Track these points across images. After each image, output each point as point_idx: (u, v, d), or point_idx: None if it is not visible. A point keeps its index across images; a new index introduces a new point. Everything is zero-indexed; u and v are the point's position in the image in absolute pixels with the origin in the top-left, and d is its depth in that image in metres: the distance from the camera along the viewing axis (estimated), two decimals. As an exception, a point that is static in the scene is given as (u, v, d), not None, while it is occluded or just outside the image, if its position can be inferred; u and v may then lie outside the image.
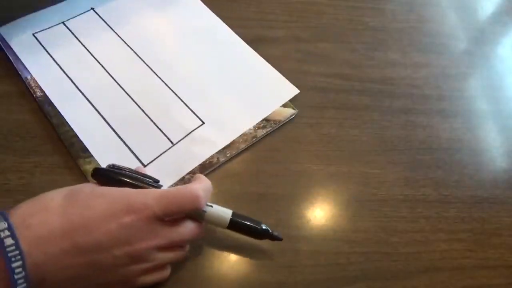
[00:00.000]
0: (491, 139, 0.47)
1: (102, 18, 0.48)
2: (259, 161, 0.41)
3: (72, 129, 0.39)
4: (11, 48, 0.43)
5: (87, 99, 0.42)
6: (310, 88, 0.47)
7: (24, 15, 0.45)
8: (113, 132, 0.40)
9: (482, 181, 0.44)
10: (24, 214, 0.28)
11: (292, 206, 0.39)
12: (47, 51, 0.44)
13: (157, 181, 0.34)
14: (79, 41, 0.46)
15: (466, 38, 0.55)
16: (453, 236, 0.40)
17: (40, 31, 0.45)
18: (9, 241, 0.26)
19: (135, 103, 0.42)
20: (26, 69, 0.42)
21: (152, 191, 0.31)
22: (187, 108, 0.43)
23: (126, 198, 0.30)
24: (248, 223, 0.34)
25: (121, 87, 0.43)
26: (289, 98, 0.45)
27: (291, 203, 0.39)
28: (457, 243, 0.40)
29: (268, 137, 0.43)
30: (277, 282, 0.35)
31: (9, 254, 0.25)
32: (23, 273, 0.26)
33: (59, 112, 0.40)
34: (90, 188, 0.31)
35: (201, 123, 0.42)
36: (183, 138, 0.41)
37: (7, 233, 0.26)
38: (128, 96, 0.43)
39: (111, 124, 0.41)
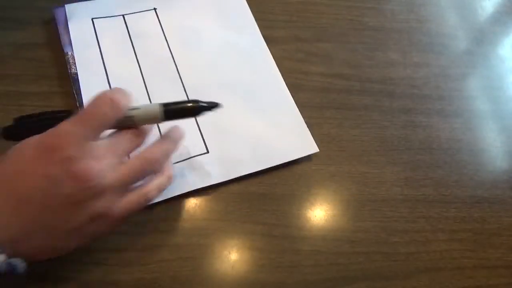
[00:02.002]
0: (491, 139, 0.47)
1: (159, 20, 0.48)
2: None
3: None
4: (67, 24, 0.46)
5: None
6: (310, 88, 0.47)
7: (82, 1, 0.48)
8: None
9: (482, 181, 0.44)
10: None
11: (292, 206, 0.39)
12: (96, 37, 0.46)
13: (70, 111, 0.31)
14: (129, 36, 0.47)
15: (466, 38, 0.55)
16: (453, 236, 0.40)
17: (99, 17, 0.47)
18: None
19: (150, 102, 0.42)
20: (71, 45, 0.44)
21: (68, 119, 0.28)
22: (198, 131, 0.41)
23: (44, 137, 0.28)
24: (180, 106, 0.32)
25: (147, 91, 0.43)
26: (305, 155, 0.41)
27: (291, 203, 0.39)
28: (457, 243, 0.40)
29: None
30: (277, 282, 0.35)
31: None
32: None
33: (81, 93, 0.41)
34: (13, 149, 0.29)
35: (205, 151, 0.40)
36: (183, 160, 0.39)
37: None
38: (148, 99, 0.43)
39: None
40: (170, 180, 0.33)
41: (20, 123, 0.32)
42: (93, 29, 0.46)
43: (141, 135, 0.31)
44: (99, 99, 0.29)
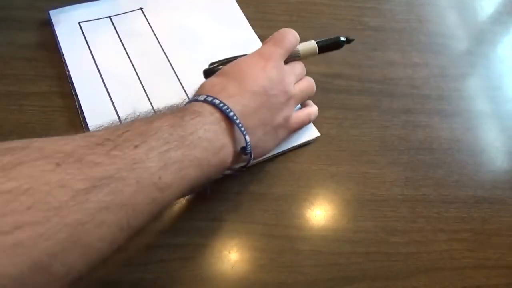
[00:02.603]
0: (491, 139, 0.47)
1: (146, 19, 0.48)
2: (259, 161, 0.41)
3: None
4: (55, 31, 0.46)
5: (106, 89, 0.42)
6: (310, 88, 0.47)
7: (76, 3, 0.48)
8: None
9: (482, 181, 0.44)
10: (205, 91, 0.34)
11: (292, 206, 0.39)
12: (85, 40, 0.46)
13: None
14: (119, 37, 0.47)
15: (466, 38, 0.55)
16: (453, 236, 0.40)
17: (86, 21, 0.47)
18: (216, 101, 0.32)
19: (150, 102, 0.42)
20: (61, 49, 0.44)
21: (264, 42, 0.40)
22: None
23: (258, 53, 0.38)
24: (330, 42, 0.43)
25: (144, 90, 0.43)
26: (306, 140, 0.43)
27: (291, 203, 0.39)
28: (457, 243, 0.40)
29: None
30: (277, 282, 0.35)
31: (223, 108, 0.32)
32: (238, 120, 0.32)
33: (77, 95, 0.42)
34: (230, 65, 0.37)
35: None
36: None
37: (210, 98, 0.32)
38: (146, 97, 0.43)
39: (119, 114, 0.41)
40: (317, 111, 0.43)
41: (218, 64, 0.40)
42: (81, 32, 0.46)
43: (304, 68, 0.42)
44: (284, 30, 0.39)
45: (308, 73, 0.42)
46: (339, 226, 0.39)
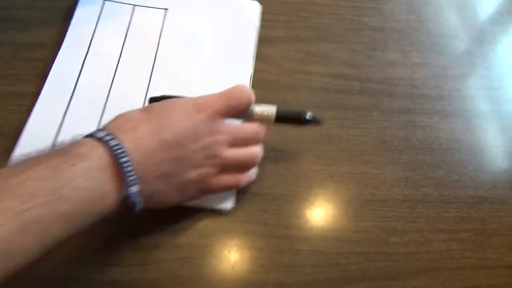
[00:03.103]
0: (491, 139, 0.47)
1: (163, 22, 0.48)
2: (259, 161, 0.41)
3: None
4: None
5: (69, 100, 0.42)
6: (310, 88, 0.47)
7: None
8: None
9: (482, 181, 0.44)
10: (115, 125, 0.31)
11: (292, 206, 0.39)
12: (98, 18, 0.47)
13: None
14: (128, 27, 0.47)
15: (466, 38, 0.55)
16: (453, 236, 0.40)
17: (112, 0, 0.49)
18: (113, 142, 0.29)
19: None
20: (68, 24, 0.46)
21: (210, 94, 0.35)
22: None
23: (193, 100, 0.34)
24: (293, 115, 0.38)
25: (112, 81, 0.43)
26: (217, 207, 0.38)
27: (291, 203, 0.39)
28: (457, 243, 0.40)
29: (268, 137, 0.43)
30: (277, 282, 0.35)
31: (116, 152, 0.29)
32: (131, 167, 0.29)
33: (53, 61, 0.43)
34: (159, 103, 0.34)
35: None
36: None
37: (109, 137, 0.29)
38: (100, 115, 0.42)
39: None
40: (253, 177, 0.39)
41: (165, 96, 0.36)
42: (100, 9, 0.47)
43: (259, 130, 0.37)
44: (239, 87, 0.36)
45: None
46: (339, 226, 0.39)
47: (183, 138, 0.32)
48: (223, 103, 0.34)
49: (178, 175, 0.33)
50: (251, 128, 0.37)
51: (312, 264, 0.37)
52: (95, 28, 0.46)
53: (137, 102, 0.42)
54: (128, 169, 0.29)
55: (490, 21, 0.58)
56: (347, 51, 0.51)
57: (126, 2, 0.49)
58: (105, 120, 0.34)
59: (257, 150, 0.37)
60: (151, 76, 0.44)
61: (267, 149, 0.42)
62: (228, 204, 0.38)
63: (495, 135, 0.47)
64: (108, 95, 0.43)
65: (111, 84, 0.43)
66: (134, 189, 0.30)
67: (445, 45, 0.54)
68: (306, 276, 0.36)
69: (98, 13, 0.47)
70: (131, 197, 0.30)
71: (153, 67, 0.45)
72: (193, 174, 0.34)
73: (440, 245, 0.39)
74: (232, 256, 0.36)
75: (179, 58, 0.46)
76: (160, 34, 0.47)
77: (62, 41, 0.44)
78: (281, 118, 0.37)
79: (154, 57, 0.46)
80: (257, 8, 0.51)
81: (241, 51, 0.48)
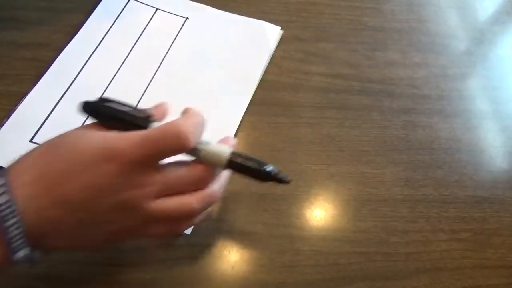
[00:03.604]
0: (491, 139, 0.47)
1: (180, 30, 0.48)
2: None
3: None
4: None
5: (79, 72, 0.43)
6: (310, 88, 0.47)
7: None
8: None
9: (482, 181, 0.44)
10: (18, 171, 0.26)
11: (292, 206, 0.39)
12: (118, 15, 0.48)
13: (149, 116, 0.29)
14: (143, 30, 0.48)
15: (466, 38, 0.55)
16: (453, 236, 0.40)
17: (138, 0, 0.49)
18: (2, 198, 0.24)
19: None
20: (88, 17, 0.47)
21: (133, 134, 0.27)
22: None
23: (104, 145, 0.26)
24: (249, 164, 0.30)
25: (110, 82, 0.44)
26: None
27: (291, 203, 0.39)
28: (457, 243, 0.40)
29: (268, 137, 0.43)
30: (277, 282, 0.35)
31: (3, 213, 0.24)
32: (18, 230, 0.24)
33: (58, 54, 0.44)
34: (73, 137, 0.28)
35: None
36: None
37: (1, 189, 0.25)
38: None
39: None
40: (203, 219, 0.33)
41: (104, 106, 0.30)
42: (123, 6, 0.48)
43: (204, 179, 0.30)
44: (169, 130, 0.27)
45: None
46: (339, 226, 0.39)
47: (85, 197, 0.26)
48: (145, 152, 0.26)
49: (92, 230, 0.28)
50: (193, 173, 0.29)
51: (312, 264, 0.37)
52: (113, 24, 0.47)
53: (131, 101, 0.42)
54: (14, 233, 0.24)
55: (490, 21, 0.58)
56: (347, 51, 0.51)
57: (150, 4, 0.49)
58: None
59: (189, 202, 0.29)
60: (151, 80, 0.44)
61: (267, 149, 0.42)
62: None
63: (495, 135, 0.47)
64: (105, 91, 0.43)
65: (111, 80, 0.44)
66: (21, 253, 0.25)
67: (445, 45, 0.54)
68: (306, 276, 0.36)
69: (120, 9, 0.48)
70: (21, 260, 0.25)
71: (156, 72, 0.45)
72: (113, 226, 0.28)
73: (440, 245, 0.39)
74: (232, 256, 0.36)
75: (184, 69, 0.46)
76: (173, 41, 0.47)
77: (75, 34, 0.46)
78: (235, 167, 0.30)
79: (160, 62, 0.46)
80: (277, 33, 0.50)
81: (246, 76, 0.46)
